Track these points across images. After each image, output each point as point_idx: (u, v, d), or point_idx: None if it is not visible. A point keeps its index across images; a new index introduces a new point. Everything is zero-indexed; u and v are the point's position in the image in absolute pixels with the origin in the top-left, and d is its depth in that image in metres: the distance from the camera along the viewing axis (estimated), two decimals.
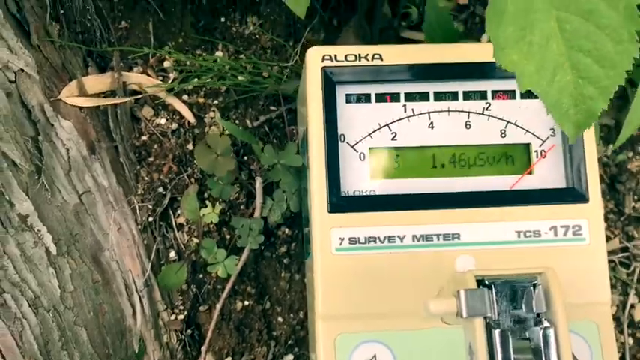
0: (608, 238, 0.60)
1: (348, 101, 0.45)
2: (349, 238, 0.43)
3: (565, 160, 0.45)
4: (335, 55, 0.45)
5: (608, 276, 0.44)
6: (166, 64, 0.57)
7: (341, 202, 0.43)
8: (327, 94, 0.44)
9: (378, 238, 0.43)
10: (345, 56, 0.45)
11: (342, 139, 0.45)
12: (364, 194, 0.44)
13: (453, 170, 0.45)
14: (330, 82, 0.44)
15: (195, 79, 0.56)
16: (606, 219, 0.60)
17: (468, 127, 0.46)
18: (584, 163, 0.44)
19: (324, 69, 0.44)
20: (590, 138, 0.45)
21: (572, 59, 0.35)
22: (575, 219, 0.44)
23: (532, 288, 0.35)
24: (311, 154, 0.44)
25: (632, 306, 0.59)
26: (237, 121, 0.56)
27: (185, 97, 0.56)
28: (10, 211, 0.46)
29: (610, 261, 0.59)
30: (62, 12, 0.52)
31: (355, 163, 0.45)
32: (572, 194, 0.44)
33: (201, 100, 0.56)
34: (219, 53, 0.58)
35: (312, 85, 0.44)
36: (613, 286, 0.59)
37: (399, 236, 0.43)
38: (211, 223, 0.53)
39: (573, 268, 0.43)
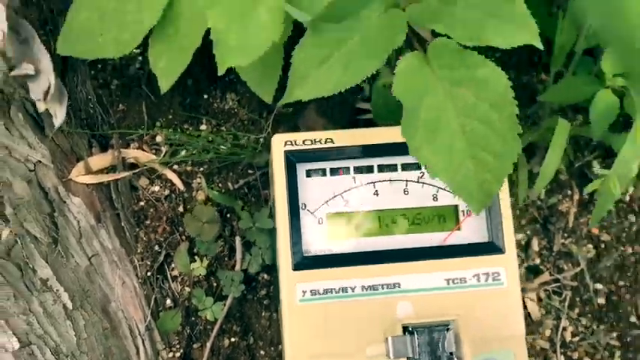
0: (541, 272, 0.70)
1: (307, 176, 0.55)
2: (310, 291, 0.53)
3: (486, 218, 0.55)
4: (295, 141, 0.55)
5: (522, 313, 0.54)
6: (158, 138, 0.67)
7: (303, 261, 0.53)
8: (289, 172, 0.54)
9: (334, 289, 0.53)
10: (303, 141, 0.55)
11: (304, 207, 0.55)
12: (322, 253, 0.54)
13: (395, 229, 0.55)
14: (291, 162, 0.54)
15: (183, 152, 0.66)
16: (540, 255, 0.70)
17: (406, 193, 0.56)
18: (501, 221, 0.54)
19: (286, 152, 0.54)
20: (505, 199, 0.55)
21: (473, 153, 0.46)
22: (494, 267, 0.54)
23: (446, 331, 0.46)
24: (278, 222, 0.54)
25: (564, 329, 0.69)
26: (220, 184, 0.66)
27: (175, 166, 0.66)
28: (33, 277, 0.56)
29: (545, 290, 0.70)
30: (69, 103, 0.62)
31: (315, 227, 0.55)
32: (492, 247, 0.54)
33: (189, 168, 0.67)
34: (203, 126, 0.68)
35: (277, 166, 0.54)
36: (548, 312, 0.69)
37: (350, 287, 0.53)
38: (200, 274, 0.63)
39: (494, 308, 0.53)
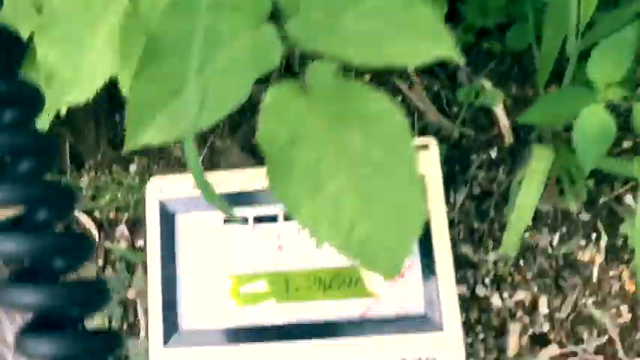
0: (549, 342, 0.53)
1: (188, 229, 0.44)
2: None
3: (421, 281, 0.41)
4: (174, 185, 0.44)
5: None
6: (84, 180, 0.59)
7: (177, 336, 0.42)
8: (165, 226, 0.43)
9: None
10: (183, 186, 0.44)
11: (182, 270, 0.43)
12: (202, 327, 0.42)
13: (301, 296, 0.42)
14: (167, 214, 0.43)
15: (108, 197, 0.58)
16: (550, 319, 0.53)
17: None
18: (437, 285, 0.40)
19: (161, 202, 0.43)
20: (443, 252, 0.40)
21: (368, 212, 0.32)
22: (429, 350, 0.39)
23: None
24: (149, 286, 0.43)
25: None
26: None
27: (97, 213, 0.58)
28: None
29: None
30: None
31: (196, 295, 0.43)
32: (426, 322, 0.40)
33: (112, 214, 0.58)
34: (133, 166, 0.59)
35: (151, 217, 0.43)
36: None
37: None
38: None
39: None
